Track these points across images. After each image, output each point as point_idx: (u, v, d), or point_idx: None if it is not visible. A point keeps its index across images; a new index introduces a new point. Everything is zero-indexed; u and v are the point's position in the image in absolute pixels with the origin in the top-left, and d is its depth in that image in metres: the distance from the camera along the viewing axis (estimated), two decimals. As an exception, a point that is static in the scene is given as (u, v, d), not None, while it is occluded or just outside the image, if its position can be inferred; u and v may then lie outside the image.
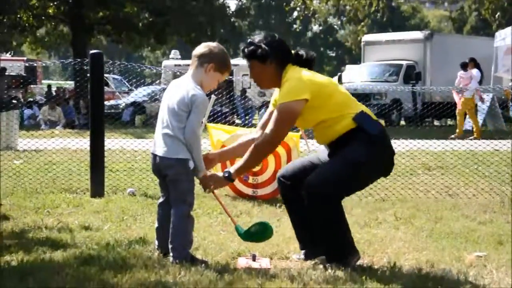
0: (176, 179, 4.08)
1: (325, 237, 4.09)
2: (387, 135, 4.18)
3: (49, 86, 26.36)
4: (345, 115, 4.08)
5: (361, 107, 4.17)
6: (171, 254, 4.07)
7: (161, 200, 4.27)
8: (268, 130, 4.09)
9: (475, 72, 15.97)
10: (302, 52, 4.25)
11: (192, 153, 4.06)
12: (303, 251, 4.33)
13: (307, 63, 4.23)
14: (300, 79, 4.05)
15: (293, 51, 4.25)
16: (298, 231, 4.40)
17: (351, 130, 4.06)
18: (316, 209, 4.02)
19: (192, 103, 4.04)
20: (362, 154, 4.01)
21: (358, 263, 4.14)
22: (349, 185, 4.12)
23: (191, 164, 4.07)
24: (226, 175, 4.12)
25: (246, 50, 4.21)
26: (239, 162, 4.16)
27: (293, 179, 4.26)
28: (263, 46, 4.14)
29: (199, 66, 4.17)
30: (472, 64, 16.12)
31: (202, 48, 4.22)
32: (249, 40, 4.26)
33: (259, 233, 4.16)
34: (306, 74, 4.11)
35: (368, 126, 4.06)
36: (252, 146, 4.11)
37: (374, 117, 4.14)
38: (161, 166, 4.10)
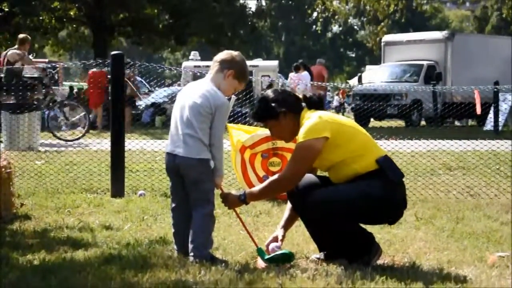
0: (200, 179, 4.10)
1: (339, 243, 4.09)
2: (404, 187, 4.17)
3: (71, 88, 26.53)
4: (367, 156, 4.04)
5: (384, 152, 4.14)
6: (191, 253, 4.08)
7: (173, 205, 4.28)
8: (287, 167, 4.10)
9: (304, 74, 17.52)
10: (309, 95, 4.28)
11: (215, 158, 4.10)
12: (323, 252, 4.32)
13: (319, 104, 4.25)
14: (320, 118, 4.06)
15: (300, 96, 4.29)
16: (313, 237, 4.39)
17: (372, 171, 4.02)
18: (321, 219, 4.05)
19: (216, 108, 4.07)
20: (378, 189, 3.97)
21: (379, 262, 4.12)
22: (352, 212, 4.03)
23: (212, 164, 4.09)
24: (242, 198, 4.16)
25: (257, 116, 4.30)
26: (256, 188, 4.24)
27: (305, 188, 4.21)
28: (270, 104, 4.19)
29: (219, 71, 4.22)
30: (303, 67, 18.00)
31: (224, 54, 4.29)
32: (256, 103, 4.32)
33: (281, 259, 4.13)
34: (326, 113, 4.14)
35: (391, 172, 4.02)
36: (272, 179, 4.16)
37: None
38: (181, 166, 4.10)
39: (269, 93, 4.29)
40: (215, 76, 4.23)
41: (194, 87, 4.22)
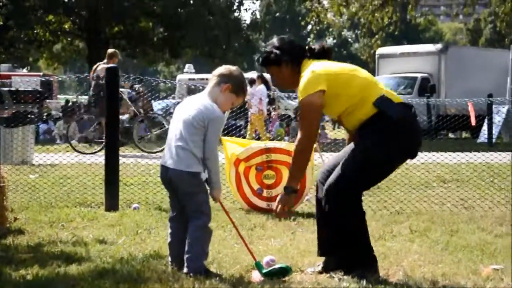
0: (191, 191, 4.10)
1: (343, 243, 4.10)
2: (411, 117, 4.12)
3: (67, 101, 26.54)
4: (366, 100, 4.05)
5: (382, 90, 4.13)
6: (185, 265, 4.07)
7: (171, 214, 4.28)
8: (299, 129, 4.12)
9: (260, 88, 16.57)
10: (314, 46, 4.28)
11: (211, 171, 4.11)
12: (319, 264, 4.29)
13: (323, 55, 4.26)
14: (312, 72, 4.08)
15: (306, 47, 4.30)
16: (320, 235, 4.37)
17: (373, 115, 4.04)
18: (333, 210, 4.05)
19: (209, 121, 4.08)
20: (376, 144, 4.00)
21: (374, 276, 4.10)
22: (365, 179, 4.09)
23: (203, 176, 4.09)
24: (288, 190, 4.11)
25: (260, 59, 4.36)
26: (290, 172, 4.16)
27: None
28: (274, 50, 4.25)
29: (216, 85, 4.25)
30: (259, 80, 16.83)
31: (222, 69, 4.33)
32: (262, 49, 4.35)
33: (279, 273, 4.13)
34: (319, 66, 4.13)
35: (389, 111, 4.02)
36: (293, 153, 4.13)
37: (397, 99, 4.11)
38: (172, 178, 4.12)
39: (275, 41, 4.34)
40: (212, 90, 4.25)
41: (191, 101, 4.24)
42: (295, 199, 4.29)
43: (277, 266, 4.19)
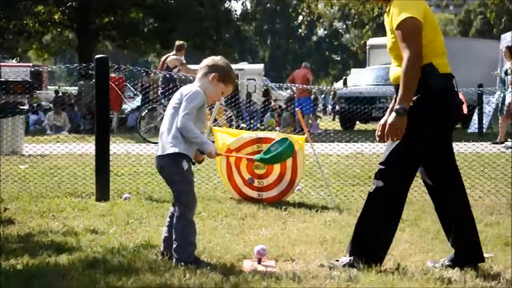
0: (171, 180, 4.16)
1: (363, 224, 4.11)
2: (452, 90, 4.09)
3: (56, 92, 26.41)
4: (424, 57, 3.95)
5: (439, 58, 4.05)
6: (174, 255, 4.10)
7: (172, 209, 4.28)
8: (404, 52, 3.93)
9: None
10: None
11: (191, 140, 4.07)
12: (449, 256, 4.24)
13: None
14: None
15: None
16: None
17: (420, 80, 3.92)
18: (378, 191, 4.08)
19: (184, 96, 4.14)
20: (417, 119, 3.93)
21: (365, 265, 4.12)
22: (413, 154, 4.07)
23: (185, 165, 4.10)
24: (401, 111, 3.90)
25: None
26: (401, 93, 3.94)
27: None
28: None
29: (204, 76, 4.29)
30: None
31: (208, 60, 4.37)
32: None
33: (283, 152, 4.27)
34: None
35: (431, 81, 3.96)
36: (401, 74, 3.93)
37: (445, 70, 4.05)
38: (158, 167, 4.20)
39: None
40: (200, 81, 4.29)
41: (180, 90, 4.30)
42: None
43: (278, 147, 4.33)
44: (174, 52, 13.53)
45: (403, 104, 3.91)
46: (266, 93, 22.35)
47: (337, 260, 4.15)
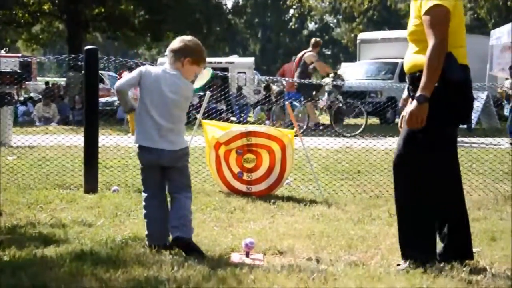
0: (183, 165, 4.44)
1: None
2: (469, 83, 4.03)
3: (47, 83, 26.27)
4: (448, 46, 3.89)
5: (459, 49, 3.99)
6: (183, 230, 4.21)
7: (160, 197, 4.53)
8: (429, 38, 3.85)
9: None
10: None
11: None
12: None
13: None
14: None
15: None
16: None
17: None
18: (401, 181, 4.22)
19: (184, 94, 4.33)
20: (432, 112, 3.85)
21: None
22: (428, 148, 4.03)
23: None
24: (421, 99, 3.82)
25: None
26: (424, 81, 3.85)
27: None
28: None
29: (176, 61, 4.27)
30: None
31: (177, 43, 4.30)
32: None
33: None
34: None
35: (449, 71, 3.88)
36: (426, 61, 3.85)
37: (463, 61, 3.98)
38: (173, 156, 4.39)
39: None
40: (173, 66, 4.28)
41: (166, 83, 4.25)
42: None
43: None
44: (310, 48, 14.51)
45: (425, 92, 3.83)
46: (268, 88, 22.29)
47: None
